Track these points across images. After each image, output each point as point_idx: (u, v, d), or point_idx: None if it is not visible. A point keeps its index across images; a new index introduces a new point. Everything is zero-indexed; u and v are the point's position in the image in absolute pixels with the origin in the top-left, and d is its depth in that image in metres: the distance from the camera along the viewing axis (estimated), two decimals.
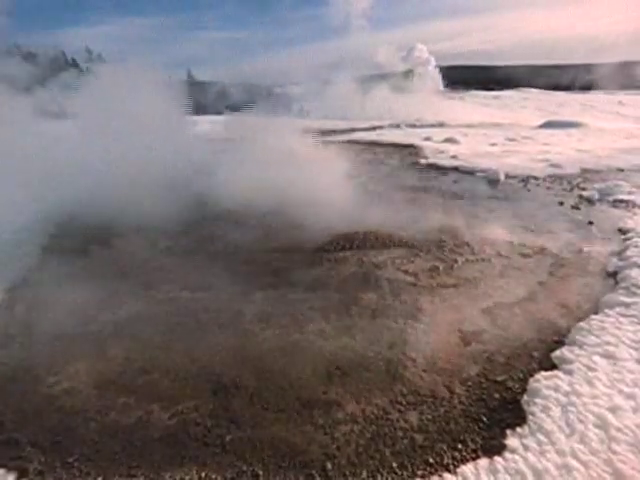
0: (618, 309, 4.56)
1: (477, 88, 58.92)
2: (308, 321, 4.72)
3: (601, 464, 2.72)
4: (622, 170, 12.39)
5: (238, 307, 5.05)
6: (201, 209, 8.86)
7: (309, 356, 4.13)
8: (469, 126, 26.58)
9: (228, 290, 5.50)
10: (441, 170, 13.34)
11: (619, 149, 15.45)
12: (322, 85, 42.68)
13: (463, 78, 63.60)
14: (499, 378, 3.77)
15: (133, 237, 7.40)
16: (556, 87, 56.21)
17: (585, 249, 6.56)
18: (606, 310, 4.59)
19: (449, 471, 2.88)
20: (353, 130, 26.03)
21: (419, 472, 2.90)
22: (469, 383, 3.71)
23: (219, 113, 35.14)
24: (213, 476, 2.92)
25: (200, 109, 33.42)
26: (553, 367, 3.81)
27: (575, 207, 8.86)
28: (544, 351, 4.11)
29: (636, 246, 6.27)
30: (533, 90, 55.39)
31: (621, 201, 9.10)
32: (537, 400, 3.33)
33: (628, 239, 6.73)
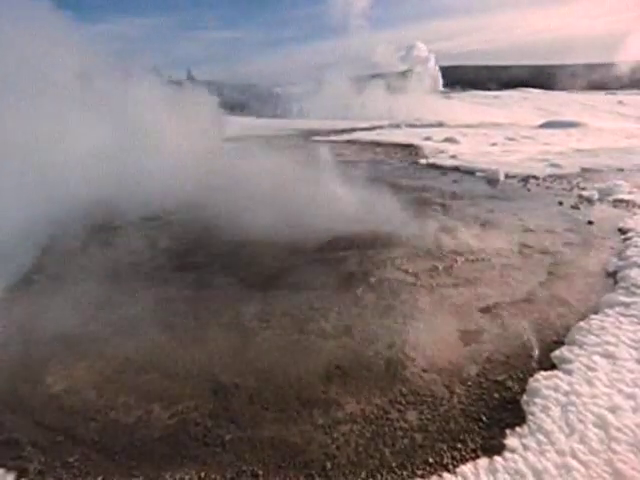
0: (618, 309, 4.56)
1: (477, 88, 58.91)
2: (308, 321, 4.72)
3: (601, 464, 2.72)
4: (622, 170, 12.40)
5: (238, 307, 5.05)
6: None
7: (309, 356, 4.13)
8: (469, 126, 26.61)
9: (228, 290, 5.50)
10: (441, 170, 13.36)
11: (619, 149, 15.47)
12: (322, 85, 42.69)
13: (463, 78, 63.62)
14: (499, 378, 3.77)
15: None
16: (556, 87, 56.19)
17: (585, 249, 6.56)
18: (606, 310, 4.60)
19: (449, 471, 2.88)
20: (353, 130, 26.06)
21: (419, 472, 2.90)
22: (469, 383, 3.71)
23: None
24: (213, 476, 2.92)
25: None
26: (553, 367, 3.81)
27: (575, 207, 8.86)
28: (544, 351, 4.11)
29: (636, 246, 6.28)
30: (533, 90, 55.41)
31: (621, 201, 9.11)
32: (537, 400, 3.33)
33: (628, 239, 6.73)
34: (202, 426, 3.33)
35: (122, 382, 3.83)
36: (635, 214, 8.13)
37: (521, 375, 3.78)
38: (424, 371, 3.87)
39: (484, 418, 3.33)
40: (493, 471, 2.79)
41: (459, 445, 3.09)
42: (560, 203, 9.16)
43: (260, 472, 2.93)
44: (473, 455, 3.00)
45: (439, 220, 8.02)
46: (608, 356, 3.76)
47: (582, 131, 21.18)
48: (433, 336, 4.39)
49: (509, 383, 3.70)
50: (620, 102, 40.64)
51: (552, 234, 7.26)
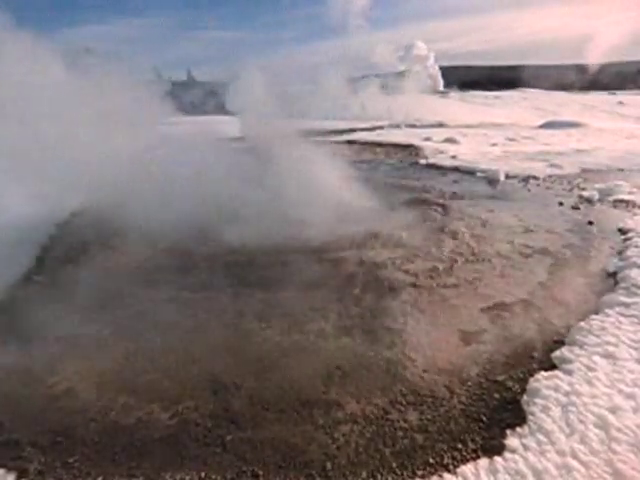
0: (618, 309, 4.56)
1: (477, 88, 58.90)
2: (308, 321, 4.72)
3: (601, 464, 2.72)
4: (622, 170, 12.40)
5: (238, 307, 5.05)
6: None
7: (309, 356, 4.13)
8: (469, 126, 26.61)
9: (228, 290, 5.50)
10: (441, 170, 13.36)
11: (619, 149, 15.46)
12: (321, 85, 42.65)
13: (462, 78, 63.62)
14: (499, 378, 3.77)
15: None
16: (556, 87, 56.19)
17: (585, 249, 6.56)
18: (606, 310, 4.59)
19: (449, 471, 2.88)
20: (353, 130, 26.05)
21: (419, 472, 2.90)
22: (469, 383, 3.71)
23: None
24: (213, 476, 2.92)
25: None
26: (553, 367, 3.80)
27: (575, 207, 8.86)
28: (544, 351, 4.11)
29: (636, 246, 6.27)
30: (533, 90, 55.43)
31: (621, 201, 9.11)
32: (537, 400, 3.33)
33: (628, 239, 6.73)
34: (202, 426, 3.33)
35: (122, 382, 3.82)
36: (635, 214, 8.13)
37: (521, 375, 3.78)
38: (424, 371, 3.86)
39: (484, 418, 3.33)
40: (493, 471, 2.78)
41: (459, 445, 3.09)
42: (560, 203, 9.16)
43: (260, 472, 2.93)
44: (473, 455, 3.00)
45: (439, 220, 8.02)
46: (608, 356, 3.76)
47: (582, 131, 21.18)
48: (433, 336, 4.39)
49: (509, 383, 3.70)
50: (620, 102, 40.64)
51: (552, 234, 7.26)
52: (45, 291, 5.55)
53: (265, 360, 4.08)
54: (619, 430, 2.96)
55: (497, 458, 2.88)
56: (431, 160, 14.81)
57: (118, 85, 10.91)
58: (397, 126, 27.88)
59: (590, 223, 7.80)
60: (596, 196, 9.47)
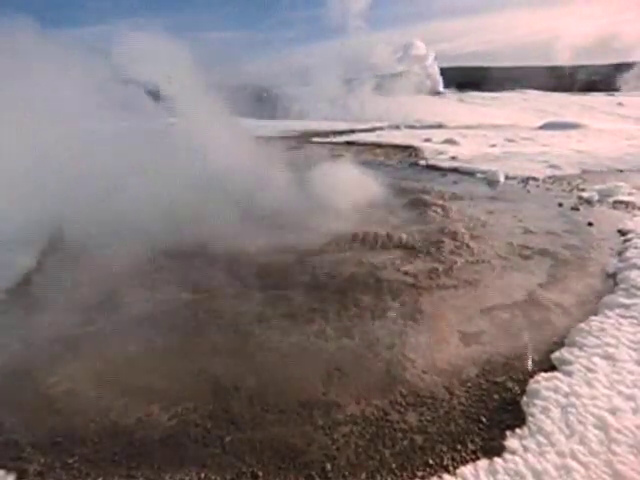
0: (618, 310, 4.56)
1: (476, 89, 58.92)
2: (308, 322, 4.72)
3: (601, 465, 2.72)
4: (622, 171, 12.42)
5: (238, 308, 5.05)
6: None
7: (309, 357, 4.13)
8: (468, 127, 26.63)
9: (228, 291, 5.50)
10: (441, 171, 13.37)
11: (619, 150, 15.47)
12: (321, 86, 42.67)
13: (462, 79, 63.64)
14: (499, 379, 3.77)
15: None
16: (555, 88, 56.24)
17: (585, 250, 6.56)
18: (606, 311, 4.60)
19: (449, 472, 2.88)
20: (352, 131, 26.08)
21: (419, 473, 2.90)
22: (469, 384, 3.71)
23: None
24: (213, 477, 2.92)
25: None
26: (553, 368, 3.81)
27: (575, 208, 8.87)
28: (544, 352, 4.11)
29: (636, 247, 6.28)
30: (532, 91, 55.45)
31: (621, 202, 9.12)
32: (537, 401, 3.33)
33: (628, 240, 6.74)
34: (202, 427, 3.33)
35: (122, 383, 3.82)
36: (635, 215, 8.14)
37: (521, 376, 3.78)
38: (424, 372, 3.87)
39: (484, 419, 3.33)
40: (493, 472, 2.79)
41: (459, 446, 3.09)
42: (560, 204, 9.17)
43: (260, 473, 2.93)
44: (473, 456, 3.00)
45: (439, 221, 8.02)
46: (608, 357, 3.76)
47: (582, 132, 21.20)
48: (433, 337, 4.39)
49: (509, 384, 3.70)
50: (620, 104, 40.67)
51: (552, 235, 7.27)
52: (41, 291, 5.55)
53: (265, 361, 4.08)
54: (619, 431, 2.96)
55: (497, 459, 2.89)
56: (431, 161, 14.82)
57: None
58: (397, 127, 27.91)
59: (590, 224, 7.81)
60: (596, 197, 9.48)
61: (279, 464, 3.00)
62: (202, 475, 2.93)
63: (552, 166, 13.01)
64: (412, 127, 28.20)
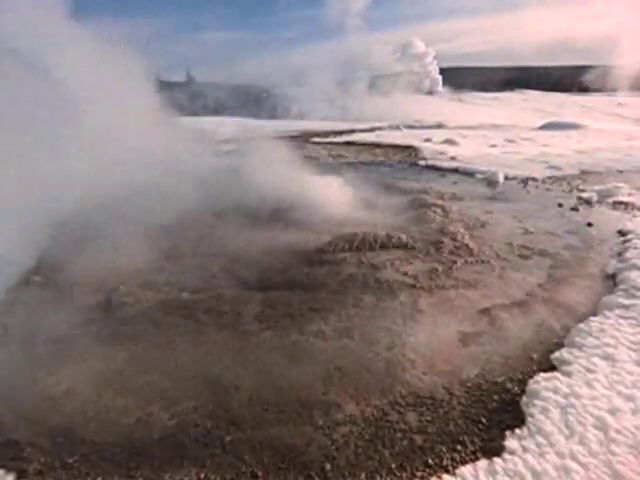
0: (617, 311, 4.57)
1: (476, 89, 58.96)
2: (307, 322, 4.72)
3: (600, 466, 2.73)
4: (621, 172, 12.43)
5: (238, 308, 5.05)
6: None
7: (308, 357, 4.13)
8: (468, 127, 26.65)
9: (227, 291, 5.50)
10: (440, 171, 13.38)
11: (619, 151, 15.49)
12: (320, 86, 42.71)
13: (462, 79, 63.64)
14: (498, 379, 3.77)
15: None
16: (555, 88, 56.26)
17: (584, 251, 6.57)
18: (605, 312, 4.60)
19: (448, 472, 2.89)
20: (352, 131, 26.11)
21: (418, 473, 2.91)
22: (468, 384, 3.72)
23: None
24: (212, 477, 2.92)
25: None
26: (552, 369, 3.81)
27: (574, 209, 8.88)
28: (543, 353, 4.11)
29: (635, 248, 6.29)
30: (532, 91, 55.53)
31: (620, 203, 9.13)
32: (536, 402, 3.34)
33: (627, 241, 6.74)
34: (202, 427, 3.33)
35: (121, 383, 3.82)
36: (634, 216, 8.15)
37: (520, 377, 3.79)
38: (424, 373, 3.87)
39: (483, 420, 3.33)
40: (492, 473, 2.79)
41: (458, 447, 3.10)
42: (559, 205, 9.18)
43: (260, 473, 2.93)
44: (472, 457, 3.01)
45: (438, 222, 8.02)
46: (607, 358, 3.77)
47: (581, 133, 21.23)
48: (433, 338, 4.39)
49: (508, 385, 3.71)
50: (619, 104, 40.73)
51: (551, 236, 7.27)
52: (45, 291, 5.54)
53: (264, 361, 4.08)
54: (618, 432, 2.96)
55: (496, 459, 2.89)
56: (430, 161, 14.84)
57: None
58: (396, 127, 27.94)
59: (589, 225, 7.81)
60: (595, 198, 9.49)
61: (279, 464, 3.00)
62: (202, 475, 2.93)
63: (552, 166, 13.04)
64: (412, 127, 28.25)
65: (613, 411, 3.14)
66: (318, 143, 21.45)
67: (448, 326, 4.60)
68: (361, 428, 3.28)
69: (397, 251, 6.62)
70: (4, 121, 7.40)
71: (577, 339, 4.12)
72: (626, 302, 4.70)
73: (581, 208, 8.92)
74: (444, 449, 3.08)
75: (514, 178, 11.88)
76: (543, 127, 24.20)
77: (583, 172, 12.49)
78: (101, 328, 4.70)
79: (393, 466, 2.96)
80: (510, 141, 19.26)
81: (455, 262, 6.17)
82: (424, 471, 2.92)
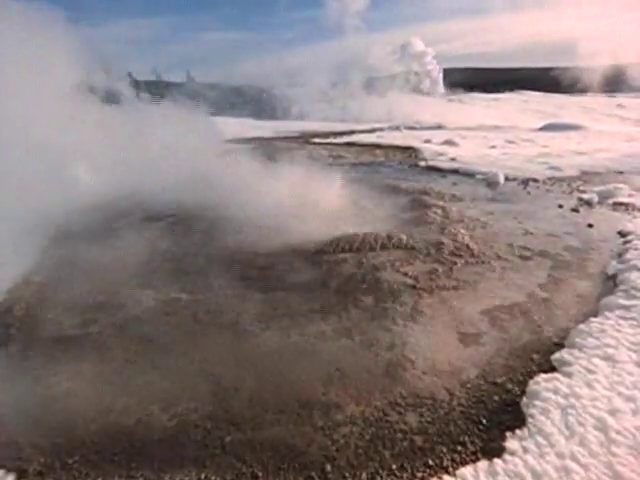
0: (618, 312, 4.56)
1: (476, 90, 58.94)
2: (308, 323, 4.72)
3: (601, 467, 2.73)
4: (622, 173, 12.42)
5: (238, 309, 5.05)
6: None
7: (309, 357, 4.13)
8: (468, 128, 26.62)
9: (228, 292, 5.50)
10: (440, 172, 13.36)
11: (619, 152, 15.47)
12: (320, 87, 42.73)
13: (462, 80, 63.62)
14: (498, 380, 3.77)
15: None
16: (555, 89, 56.24)
17: (585, 252, 6.56)
18: (605, 313, 4.60)
19: (448, 473, 2.89)
20: (352, 132, 26.10)
21: (418, 474, 2.90)
22: (468, 385, 3.72)
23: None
24: (212, 477, 2.92)
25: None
26: (553, 369, 3.81)
27: (575, 210, 8.87)
28: (543, 353, 4.11)
29: (636, 249, 6.28)
30: (532, 93, 55.48)
31: (621, 204, 9.12)
32: (536, 402, 3.33)
33: (628, 242, 6.74)
34: (202, 428, 3.33)
35: (122, 384, 3.82)
36: (635, 217, 8.14)
37: (521, 378, 3.79)
38: (424, 373, 3.87)
39: (484, 420, 3.33)
40: (493, 473, 2.79)
41: (459, 447, 3.10)
42: (560, 206, 9.17)
43: (260, 474, 2.93)
44: (473, 457, 3.01)
45: (439, 222, 8.02)
46: (608, 359, 3.77)
47: (582, 134, 21.20)
48: (433, 338, 4.39)
49: (509, 385, 3.70)
50: (620, 105, 40.69)
51: (552, 237, 7.27)
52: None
53: (265, 361, 4.08)
54: (618, 432, 2.96)
55: (496, 460, 2.89)
56: (430, 162, 14.82)
57: None
58: (396, 128, 27.92)
59: (590, 226, 7.81)
60: (596, 199, 9.47)
61: (279, 464, 3.00)
62: (202, 475, 2.93)
63: (552, 167, 13.02)
64: (412, 128, 28.21)
65: (613, 412, 3.14)
66: (318, 144, 21.45)
67: (448, 327, 4.60)
68: (361, 429, 3.28)
69: (397, 252, 6.62)
70: None
71: (577, 340, 4.11)
72: (626, 303, 4.70)
73: (581, 209, 8.91)
74: (444, 450, 3.08)
75: (514, 179, 11.87)
76: (543, 128, 24.17)
77: (583, 173, 12.48)
78: (101, 328, 4.70)
79: (393, 467, 2.96)
80: (510, 142, 19.24)
81: (455, 263, 6.17)
82: (424, 472, 2.92)
